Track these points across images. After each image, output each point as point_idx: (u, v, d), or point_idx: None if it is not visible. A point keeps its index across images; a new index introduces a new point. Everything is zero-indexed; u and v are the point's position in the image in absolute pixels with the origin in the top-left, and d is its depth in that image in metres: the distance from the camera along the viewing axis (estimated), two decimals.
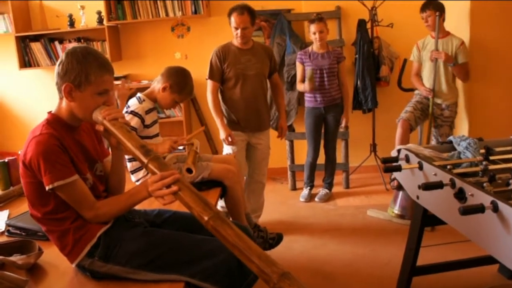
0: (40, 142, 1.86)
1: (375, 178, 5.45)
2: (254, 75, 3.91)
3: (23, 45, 5.54)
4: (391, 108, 5.47)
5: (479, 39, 4.67)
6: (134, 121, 2.86)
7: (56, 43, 5.55)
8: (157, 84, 2.97)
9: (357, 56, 5.26)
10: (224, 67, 3.87)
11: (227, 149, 4.03)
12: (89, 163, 2.06)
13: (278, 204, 5.02)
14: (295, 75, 4.96)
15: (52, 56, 5.55)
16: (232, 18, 3.81)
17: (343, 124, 4.92)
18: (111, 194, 2.15)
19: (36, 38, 5.57)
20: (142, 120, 2.89)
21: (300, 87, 4.75)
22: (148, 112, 2.93)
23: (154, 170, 1.78)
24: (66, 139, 1.94)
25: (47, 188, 1.86)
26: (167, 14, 5.39)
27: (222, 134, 3.93)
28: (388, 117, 5.45)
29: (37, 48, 5.55)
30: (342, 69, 4.75)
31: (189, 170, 2.83)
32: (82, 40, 5.54)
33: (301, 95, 4.98)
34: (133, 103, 2.95)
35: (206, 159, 3.14)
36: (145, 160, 1.79)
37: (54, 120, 1.98)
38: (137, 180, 3.02)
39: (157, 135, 3.05)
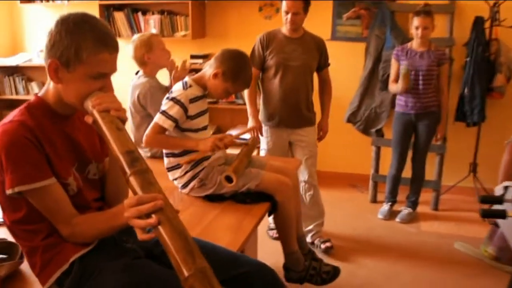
0: (6, 132, 1.42)
1: (470, 203, 4.67)
2: (298, 66, 3.50)
3: (107, 13, 5.29)
4: (501, 124, 4.71)
5: None
6: (174, 110, 2.40)
7: (139, 14, 5.24)
8: (208, 69, 2.49)
9: (468, 59, 4.50)
10: (266, 54, 3.54)
11: (263, 143, 3.73)
12: (79, 163, 1.61)
13: (352, 216, 4.42)
14: None
15: (133, 27, 5.26)
16: (284, 2, 3.42)
17: (438, 136, 4.22)
18: (108, 205, 1.69)
19: (120, 8, 5.30)
20: (185, 110, 2.42)
21: (392, 87, 4.13)
22: (193, 100, 2.45)
23: (134, 188, 1.30)
24: (47, 130, 1.49)
25: (6, 192, 1.43)
26: None
27: (250, 123, 3.63)
28: (497, 135, 4.68)
29: (119, 18, 5.27)
30: (443, 73, 4.05)
31: (229, 179, 2.32)
32: (165, 13, 5.19)
33: (395, 97, 4.31)
34: (176, 88, 2.49)
35: (259, 165, 2.61)
36: (128, 171, 1.31)
37: (37, 105, 1.53)
38: (174, 179, 2.57)
39: (205, 128, 2.57)
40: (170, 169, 2.56)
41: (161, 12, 5.20)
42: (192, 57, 5.13)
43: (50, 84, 1.53)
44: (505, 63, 4.52)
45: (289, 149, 3.75)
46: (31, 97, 1.53)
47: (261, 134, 3.66)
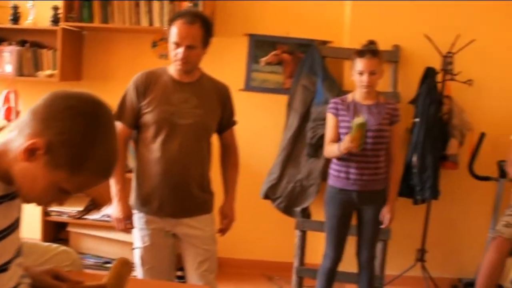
0: None
1: None
2: (190, 125, 2.39)
3: None
4: (454, 201, 3.87)
5: None
6: None
7: None
8: (17, 137, 1.22)
9: (417, 120, 3.56)
10: (143, 104, 2.40)
11: (136, 241, 2.53)
12: None
13: None
14: (323, 137, 3.24)
15: None
16: (175, 28, 2.34)
17: (386, 221, 3.08)
18: None
19: None
20: None
21: (330, 149, 3.00)
22: None
23: None
24: None
25: None
26: (151, 23, 3.76)
27: (115, 211, 2.46)
28: (449, 214, 3.87)
29: None
30: (396, 134, 3.03)
31: None
32: (28, 44, 3.89)
33: (327, 166, 3.22)
34: None
35: None
36: None
37: None
38: None
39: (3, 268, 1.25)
40: None
41: (22, 43, 3.89)
42: None
43: None
44: (458, 126, 3.64)
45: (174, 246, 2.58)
46: None
47: (131, 226, 2.48)
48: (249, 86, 3.92)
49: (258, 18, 3.92)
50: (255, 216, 3.98)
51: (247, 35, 3.90)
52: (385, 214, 3.03)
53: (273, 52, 3.89)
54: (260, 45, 3.90)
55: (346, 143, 2.77)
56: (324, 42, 3.82)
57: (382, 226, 3.04)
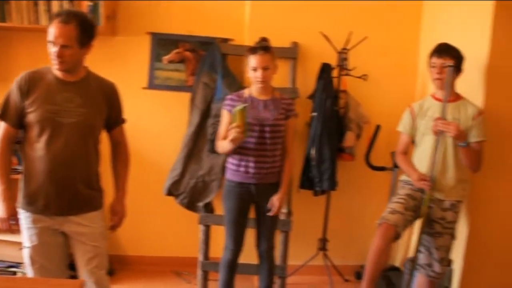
0: None
1: (321, 284, 3.90)
2: (74, 124, 2.40)
3: None
4: (352, 191, 4.05)
5: (495, 109, 3.18)
6: None
7: None
8: None
9: (315, 114, 3.71)
10: (27, 103, 2.39)
11: (24, 241, 2.50)
12: None
13: None
14: None
15: None
16: (51, 27, 2.35)
17: (274, 209, 3.10)
18: None
19: None
20: None
21: (221, 144, 3.05)
22: None
23: None
24: None
25: None
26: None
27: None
28: (348, 204, 4.04)
29: None
30: (290, 128, 3.12)
31: None
32: None
33: None
34: None
35: None
36: None
37: None
38: None
39: None
40: None
41: None
42: None
43: None
44: (354, 120, 3.81)
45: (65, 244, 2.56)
46: None
47: (16, 226, 2.48)
48: (153, 84, 3.94)
49: (161, 17, 3.93)
50: (160, 213, 4.03)
51: (149, 34, 3.92)
52: (274, 202, 3.10)
53: (176, 50, 3.93)
54: (163, 43, 3.93)
55: (231, 132, 2.85)
56: (225, 40, 3.91)
57: (270, 214, 3.10)
